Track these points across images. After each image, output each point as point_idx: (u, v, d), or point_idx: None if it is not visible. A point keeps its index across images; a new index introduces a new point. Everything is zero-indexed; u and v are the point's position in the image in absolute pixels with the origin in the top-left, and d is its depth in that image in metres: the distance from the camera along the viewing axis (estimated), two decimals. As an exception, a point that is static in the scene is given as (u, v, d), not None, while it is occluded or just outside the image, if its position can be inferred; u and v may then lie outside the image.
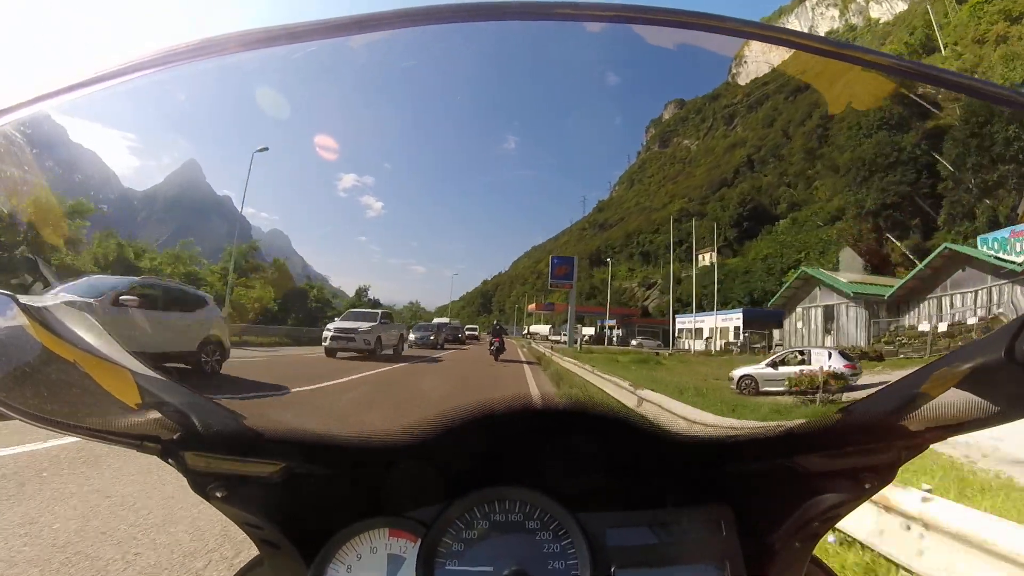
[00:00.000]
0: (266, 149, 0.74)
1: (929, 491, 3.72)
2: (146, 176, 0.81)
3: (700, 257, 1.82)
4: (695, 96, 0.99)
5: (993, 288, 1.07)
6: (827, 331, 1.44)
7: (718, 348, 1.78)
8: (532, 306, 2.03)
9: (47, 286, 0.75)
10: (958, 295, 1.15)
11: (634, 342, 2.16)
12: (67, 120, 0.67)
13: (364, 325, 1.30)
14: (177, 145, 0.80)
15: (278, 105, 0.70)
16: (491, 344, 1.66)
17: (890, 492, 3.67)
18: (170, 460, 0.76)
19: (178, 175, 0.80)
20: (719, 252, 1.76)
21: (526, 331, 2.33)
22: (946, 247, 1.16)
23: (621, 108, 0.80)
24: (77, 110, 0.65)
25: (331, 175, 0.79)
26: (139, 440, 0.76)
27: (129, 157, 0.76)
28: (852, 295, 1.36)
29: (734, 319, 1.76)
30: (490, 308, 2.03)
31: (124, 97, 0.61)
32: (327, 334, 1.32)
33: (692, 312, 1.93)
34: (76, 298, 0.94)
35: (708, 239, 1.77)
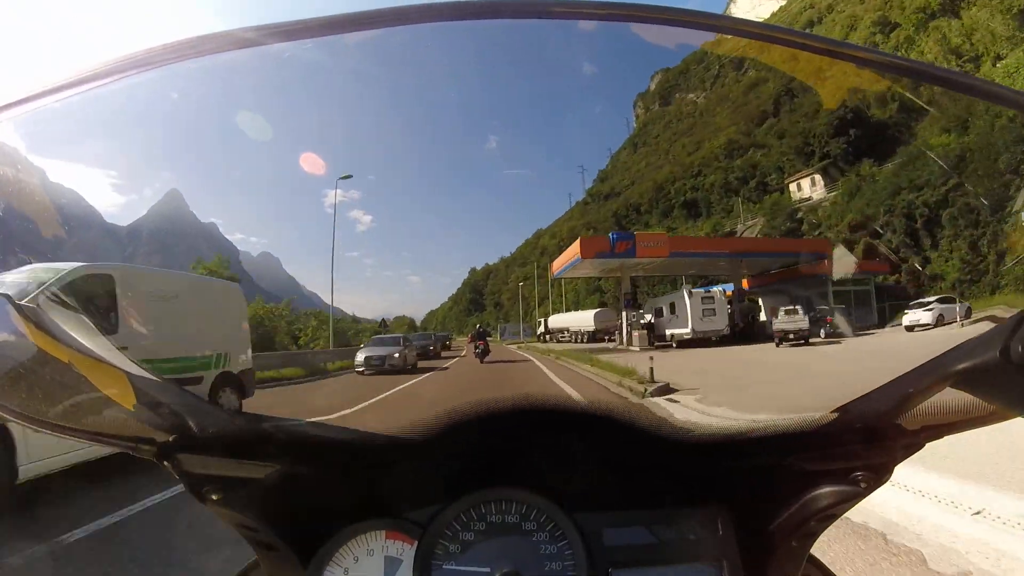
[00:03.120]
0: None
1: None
2: (128, 211, 0.80)
3: (794, 187, 1.35)
4: (678, 62, 0.94)
5: None
6: None
7: None
8: (570, 252, 1.15)
9: (41, 288, 0.74)
10: None
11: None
12: (47, 161, 0.66)
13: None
14: (158, 176, 0.79)
15: (255, 126, 0.70)
16: (476, 347, 1.57)
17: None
18: (165, 462, 0.76)
19: (161, 206, 0.79)
20: (826, 173, 1.25)
21: (541, 327, 1.72)
22: None
23: (605, 88, 0.79)
24: (53, 146, 0.64)
25: (317, 192, 0.78)
26: (134, 442, 0.76)
27: (111, 193, 0.75)
28: None
29: None
30: (482, 304, 1.66)
31: (98, 105, 0.61)
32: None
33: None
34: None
35: (786, 169, 1.34)
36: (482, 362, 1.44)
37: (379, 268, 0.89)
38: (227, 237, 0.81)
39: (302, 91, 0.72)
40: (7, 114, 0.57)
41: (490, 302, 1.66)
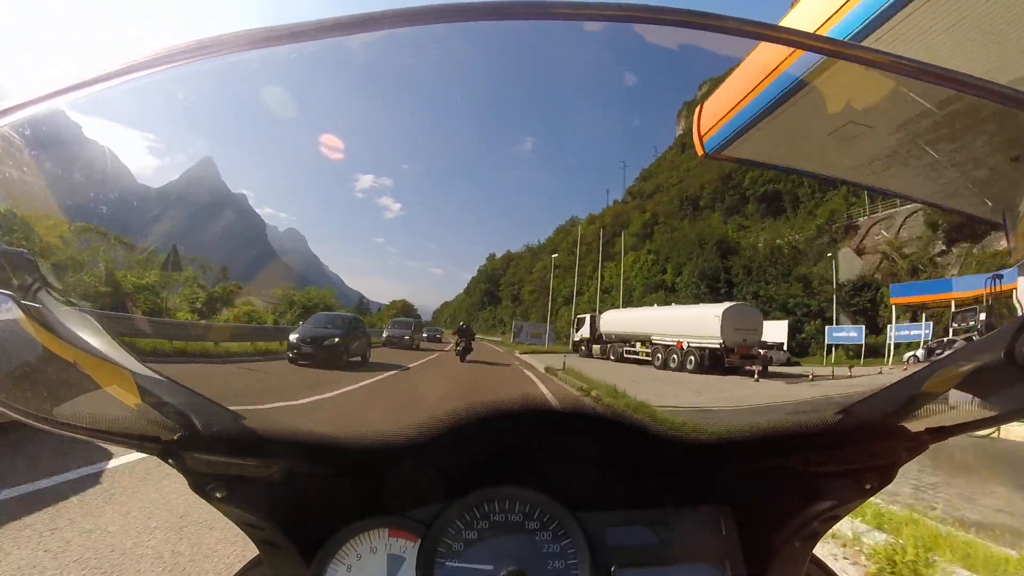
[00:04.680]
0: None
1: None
2: (161, 174, 0.80)
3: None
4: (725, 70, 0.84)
5: None
6: None
7: None
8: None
9: (46, 287, 0.75)
10: None
11: None
12: (82, 118, 0.67)
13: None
14: (193, 143, 0.79)
15: (296, 104, 0.70)
16: (456, 345, 1.43)
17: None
18: (170, 460, 0.76)
19: (193, 172, 0.79)
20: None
21: (582, 330, 1.14)
22: None
23: (646, 96, 0.76)
24: (91, 107, 0.65)
25: (349, 176, 0.78)
26: (139, 440, 0.76)
27: (145, 155, 0.75)
28: None
29: None
30: (497, 296, 1.37)
31: (138, 94, 0.62)
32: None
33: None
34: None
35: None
36: (463, 361, 1.35)
37: (402, 257, 0.89)
38: (256, 209, 0.81)
39: (345, 81, 0.73)
40: (32, 109, 0.58)
41: (506, 294, 1.37)
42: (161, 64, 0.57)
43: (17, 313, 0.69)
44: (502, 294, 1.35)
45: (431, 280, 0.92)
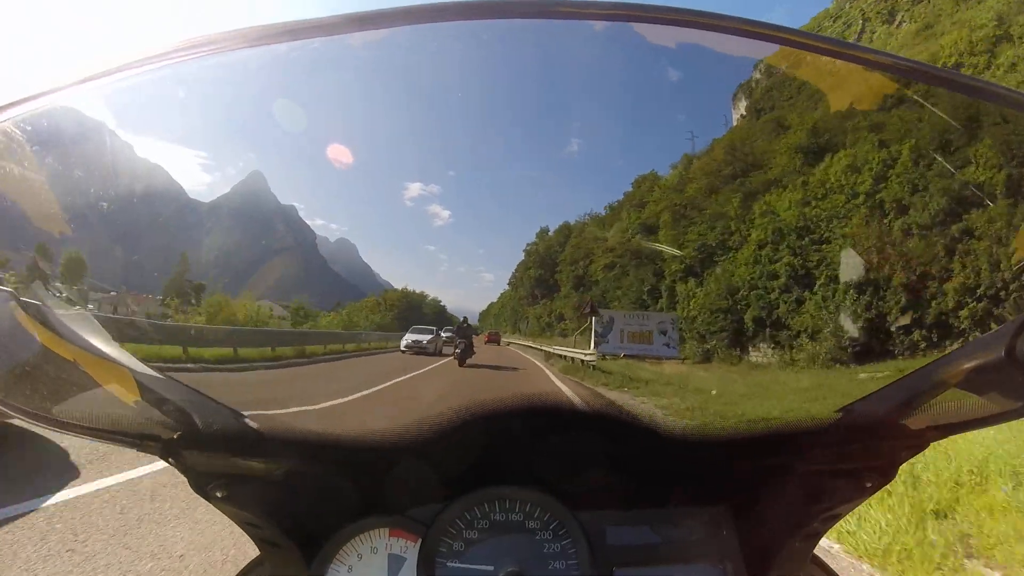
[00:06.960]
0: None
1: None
2: (213, 188, 0.81)
3: None
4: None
5: None
6: None
7: None
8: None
9: (46, 284, 0.74)
10: None
11: None
12: (133, 137, 0.68)
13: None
14: (243, 156, 0.80)
15: (343, 116, 0.71)
16: (456, 346, 1.31)
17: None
18: (170, 459, 0.75)
19: (243, 185, 0.79)
20: None
21: None
22: None
23: (693, 90, 0.74)
24: (129, 114, 0.65)
25: (398, 185, 0.79)
26: (139, 439, 0.76)
27: (198, 171, 0.76)
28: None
29: None
30: (553, 283, 1.08)
31: (181, 94, 0.62)
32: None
33: None
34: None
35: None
36: (461, 364, 1.24)
37: (452, 264, 0.89)
38: (306, 221, 0.82)
39: (392, 89, 0.73)
40: (96, 84, 0.58)
41: (567, 277, 1.05)
42: (196, 52, 0.57)
43: (17, 311, 0.68)
44: (560, 277, 1.05)
45: (481, 285, 0.91)
